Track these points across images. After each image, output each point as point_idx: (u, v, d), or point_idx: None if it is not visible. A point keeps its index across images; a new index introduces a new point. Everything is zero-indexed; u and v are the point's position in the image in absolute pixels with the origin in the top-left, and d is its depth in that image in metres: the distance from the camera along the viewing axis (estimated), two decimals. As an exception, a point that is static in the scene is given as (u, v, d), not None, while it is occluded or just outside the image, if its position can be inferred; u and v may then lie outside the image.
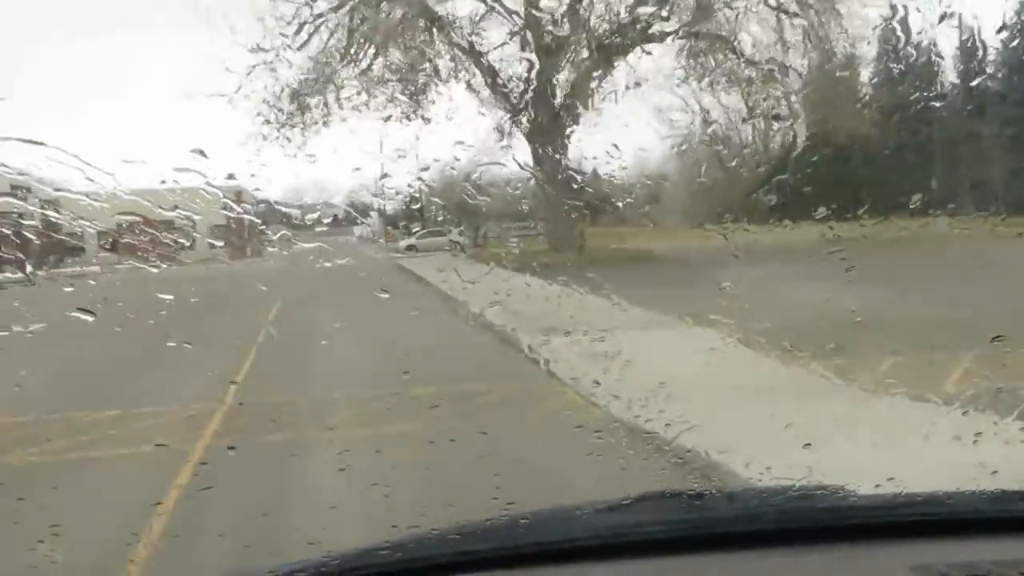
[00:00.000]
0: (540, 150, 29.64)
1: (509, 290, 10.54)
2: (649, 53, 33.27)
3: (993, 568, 1.67)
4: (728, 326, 9.00)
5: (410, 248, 38.57)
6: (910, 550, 1.84)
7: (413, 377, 8.98)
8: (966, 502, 2.01)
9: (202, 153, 4.65)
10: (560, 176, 24.25)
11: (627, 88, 33.20)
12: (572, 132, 31.64)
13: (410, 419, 7.80)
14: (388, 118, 34.97)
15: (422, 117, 36.43)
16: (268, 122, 35.04)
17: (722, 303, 8.51)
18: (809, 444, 4.64)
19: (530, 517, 1.99)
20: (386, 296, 13.04)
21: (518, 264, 13.30)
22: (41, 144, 3.70)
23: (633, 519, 1.93)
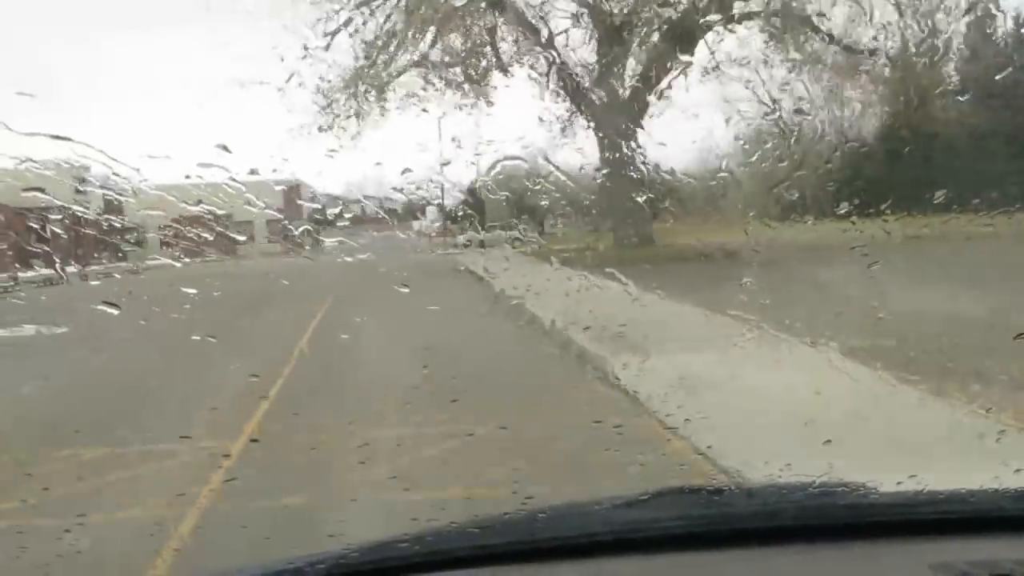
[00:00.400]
0: (607, 140, 27.39)
1: (579, 293, 9.19)
2: (732, 31, 30.76)
3: (1015, 567, 1.66)
4: (856, 348, 7.74)
5: (468, 244, 36.74)
6: (931, 548, 1.83)
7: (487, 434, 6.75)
8: (988, 500, 1.99)
9: (225, 148, 4.67)
10: (628, 168, 21.76)
11: (707, 71, 31.69)
12: (642, 121, 29.50)
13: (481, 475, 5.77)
14: (442, 115, 33.02)
15: (485, 101, 34.55)
16: (322, 110, 32.79)
17: (835, 312, 7.66)
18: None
19: (548, 511, 1.99)
20: (446, 302, 12.60)
21: (585, 262, 12.69)
22: (68, 139, 3.74)
23: (651, 514, 1.93)
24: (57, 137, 3.72)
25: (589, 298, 9.32)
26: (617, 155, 23.77)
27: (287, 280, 21.66)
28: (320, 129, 32.40)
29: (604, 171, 22.86)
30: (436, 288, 18.49)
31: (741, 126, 37.87)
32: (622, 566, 1.83)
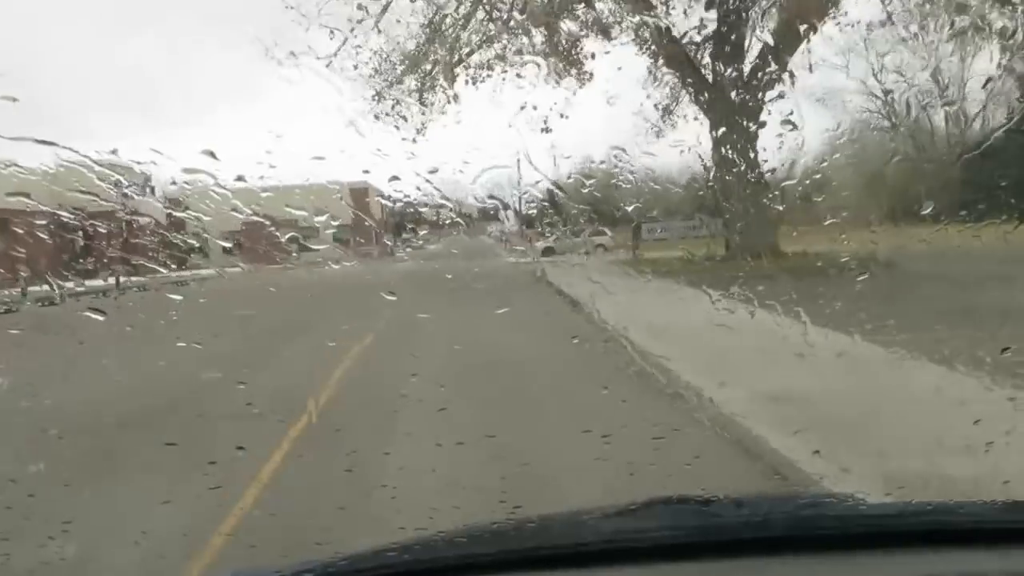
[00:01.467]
0: (719, 131, 22.78)
1: (696, 318, 7.67)
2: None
3: None
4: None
5: (547, 251, 33.69)
6: (920, 559, 1.83)
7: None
8: (977, 512, 2.00)
9: (212, 155, 4.64)
10: (746, 164, 18.33)
11: (868, 37, 26.94)
12: (764, 108, 24.29)
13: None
14: (523, 107, 26.88)
15: (577, 75, 28.24)
16: (379, 96, 27.57)
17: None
18: None
19: (537, 521, 1.99)
20: (531, 328, 11.13)
21: (692, 275, 11.09)
22: (52, 144, 3.72)
23: (640, 524, 1.93)
24: (42, 142, 3.70)
25: (762, 348, 7.12)
26: (737, 148, 20.35)
27: (336, 297, 18.58)
28: (376, 117, 27.58)
29: (716, 167, 19.51)
30: (521, 321, 13.24)
31: (844, 119, 35.69)
32: None
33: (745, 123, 21.87)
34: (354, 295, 16.99)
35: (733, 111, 24.01)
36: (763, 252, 20.08)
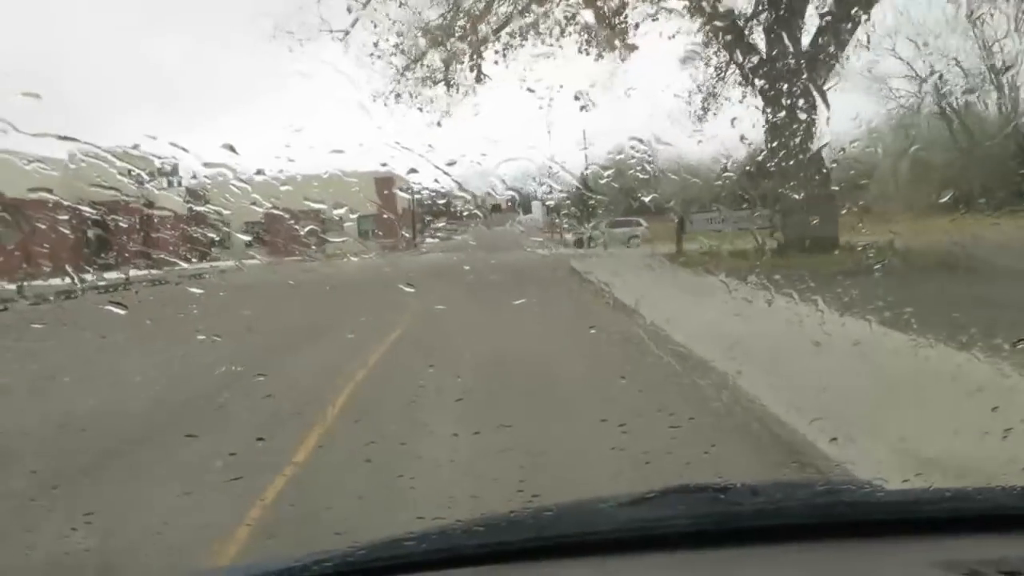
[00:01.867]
0: (775, 113, 20.62)
1: (791, 331, 6.33)
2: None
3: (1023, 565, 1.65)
4: None
5: (578, 243, 31.54)
6: (938, 546, 1.83)
7: None
8: (995, 498, 1.99)
9: (232, 149, 4.65)
10: (805, 151, 16.74)
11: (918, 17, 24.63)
12: (823, 89, 22.02)
13: None
14: (560, 88, 25.80)
15: (622, 47, 25.43)
16: (401, 75, 25.24)
17: None
18: None
19: (554, 510, 2.00)
20: (578, 338, 9.65)
21: (746, 271, 10.21)
22: (74, 139, 3.76)
23: (657, 512, 1.93)
24: (64, 138, 3.74)
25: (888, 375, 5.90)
26: (795, 130, 18.17)
27: (353, 292, 17.51)
28: (398, 97, 25.26)
29: (773, 151, 17.58)
30: (558, 330, 12.05)
31: (891, 105, 33.01)
32: (628, 564, 1.83)
33: (803, 104, 19.70)
34: (370, 292, 16.04)
35: (791, 91, 21.66)
36: (823, 245, 17.74)
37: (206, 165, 5.07)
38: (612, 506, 1.99)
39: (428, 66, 25.70)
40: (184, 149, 4.88)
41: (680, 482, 2.07)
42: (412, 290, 9.59)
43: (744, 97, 26.50)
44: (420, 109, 25.91)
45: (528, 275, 19.14)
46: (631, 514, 1.95)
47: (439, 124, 25.69)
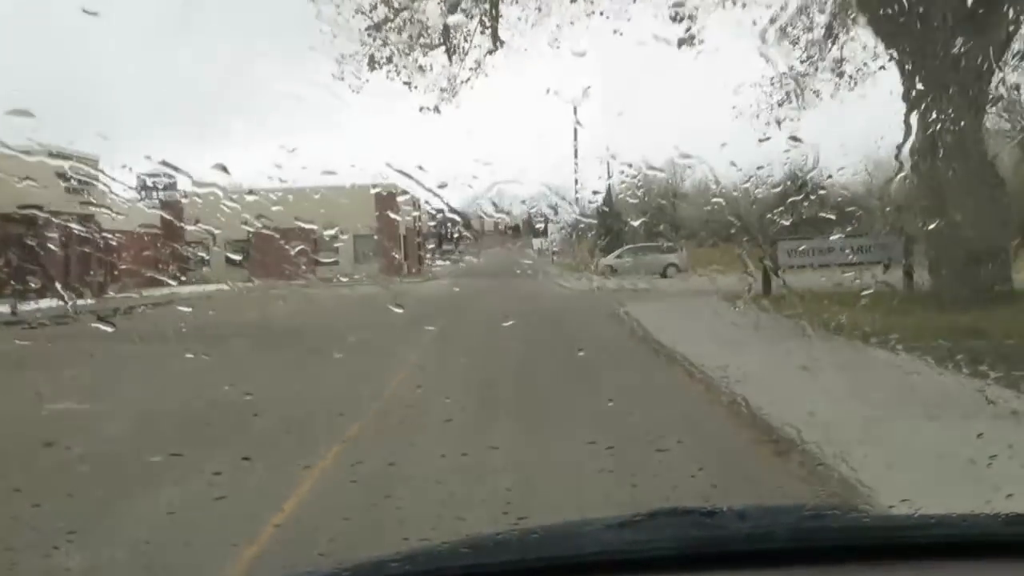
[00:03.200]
0: (935, 95, 13.64)
1: None
2: None
3: None
4: None
5: (608, 271, 27.39)
6: (923, 572, 1.83)
7: None
8: (980, 524, 1.99)
9: (224, 169, 4.65)
10: (970, 152, 12.15)
11: None
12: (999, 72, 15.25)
13: None
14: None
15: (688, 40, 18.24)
16: (378, 32, 17.15)
17: None
18: None
19: (540, 532, 1.99)
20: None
21: (908, 335, 8.03)
22: (68, 158, 3.74)
23: (644, 535, 1.93)
24: (57, 155, 3.72)
25: None
26: (960, 127, 12.83)
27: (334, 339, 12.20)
28: (373, 63, 17.10)
29: (919, 156, 12.68)
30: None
31: None
32: None
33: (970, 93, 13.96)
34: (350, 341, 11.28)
35: (955, 75, 14.19)
36: (995, 294, 12.42)
37: (196, 184, 5.07)
38: (598, 528, 1.98)
39: (421, 21, 17.88)
40: (175, 167, 4.87)
41: (667, 505, 2.06)
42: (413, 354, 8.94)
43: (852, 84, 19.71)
44: (408, 84, 17.74)
45: (569, 330, 15.02)
46: (617, 537, 1.94)
47: (436, 109, 17.99)
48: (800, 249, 19.47)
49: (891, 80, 16.83)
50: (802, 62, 19.90)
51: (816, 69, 20.03)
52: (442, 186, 5.93)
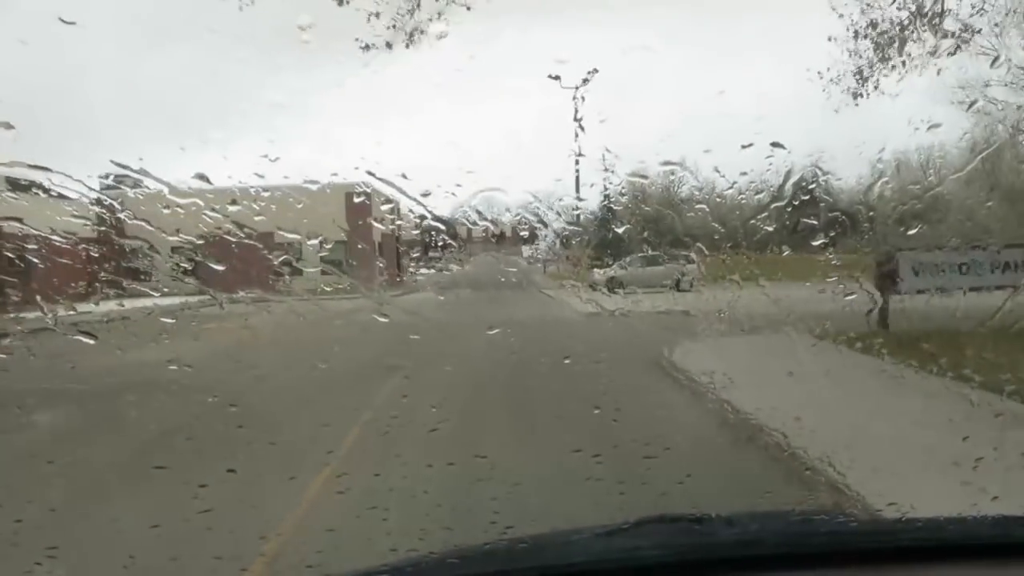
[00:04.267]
0: None
1: None
2: None
3: None
4: None
5: (612, 283, 23.64)
6: (910, 575, 1.84)
7: None
8: (966, 527, 2.01)
9: (205, 179, 4.60)
10: None
11: None
12: None
13: None
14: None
15: None
16: None
17: None
18: None
19: (529, 541, 1.99)
20: None
21: None
22: (46, 169, 3.72)
23: (632, 543, 1.93)
24: (36, 167, 3.70)
25: None
26: None
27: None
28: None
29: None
30: None
31: None
32: None
33: None
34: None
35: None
36: None
37: (175, 194, 4.99)
38: (587, 537, 1.98)
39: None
40: (146, 173, 4.73)
41: (655, 512, 2.06)
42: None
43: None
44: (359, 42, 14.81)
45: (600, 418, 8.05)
46: (606, 545, 1.94)
47: (388, 45, 14.74)
48: (933, 263, 14.06)
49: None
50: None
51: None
52: (425, 194, 5.84)
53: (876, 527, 2.10)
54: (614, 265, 25.60)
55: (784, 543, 1.94)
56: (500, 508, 4.99)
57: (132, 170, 4.59)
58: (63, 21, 4.89)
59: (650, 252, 25.35)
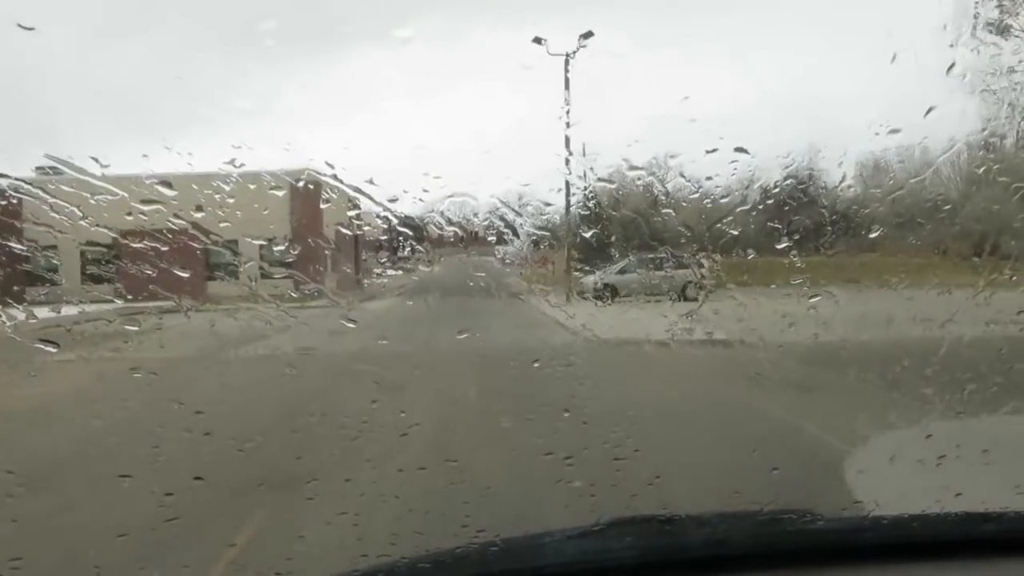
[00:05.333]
0: None
1: None
2: None
3: None
4: None
5: (606, 290, 20.58)
6: (877, 573, 1.86)
7: None
8: (931, 525, 2.04)
9: (169, 185, 4.51)
10: None
11: None
12: None
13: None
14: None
15: None
16: None
17: None
18: None
19: (501, 544, 1.99)
20: None
21: None
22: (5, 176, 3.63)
23: (603, 544, 1.94)
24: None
25: None
26: None
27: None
28: None
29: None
30: None
31: None
32: None
33: None
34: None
35: None
36: None
37: (143, 202, 4.84)
38: (558, 539, 1.98)
39: None
40: (71, 164, 4.45)
41: (626, 514, 2.07)
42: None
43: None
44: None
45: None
46: (578, 547, 1.95)
47: None
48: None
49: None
50: None
51: None
52: (393, 200, 5.77)
53: (843, 525, 2.13)
54: (607, 268, 21.85)
55: (753, 542, 1.96)
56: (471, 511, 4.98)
57: (61, 161, 4.28)
58: (22, 27, 4.79)
59: (648, 254, 20.89)
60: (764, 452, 6.47)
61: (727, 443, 7.46)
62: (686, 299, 16.28)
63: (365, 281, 26.15)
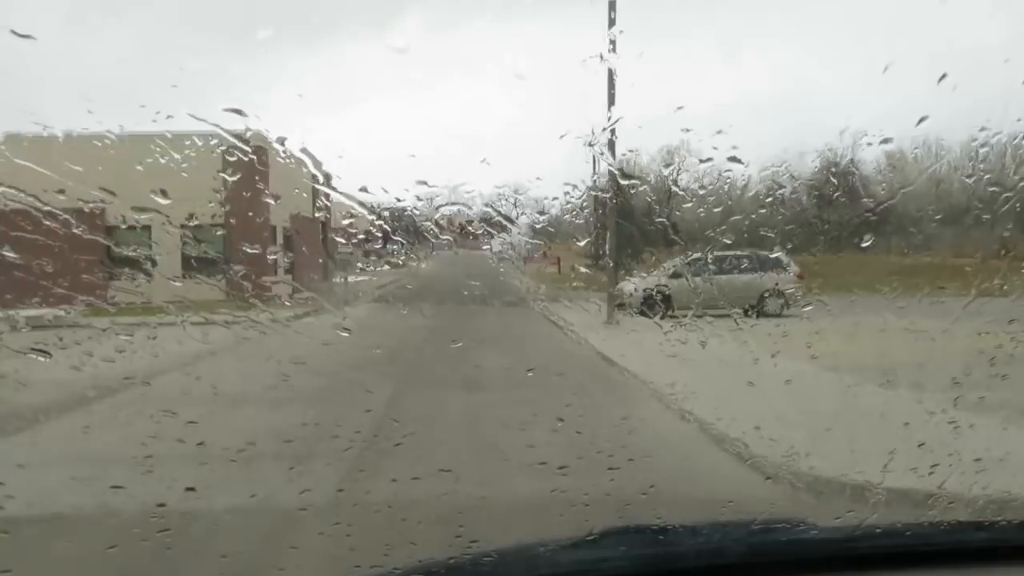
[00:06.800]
0: None
1: None
2: None
3: None
4: None
5: (659, 298, 15.47)
6: None
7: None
8: (924, 534, 2.04)
9: (164, 193, 4.41)
10: None
11: None
12: None
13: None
14: None
15: None
16: None
17: None
18: None
19: (494, 555, 1.98)
20: None
21: None
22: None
23: (597, 554, 1.93)
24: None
25: None
26: None
27: None
28: None
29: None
30: None
31: None
32: None
33: None
34: None
35: None
36: None
37: (135, 209, 4.79)
38: (552, 549, 1.98)
39: None
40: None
41: (620, 524, 2.07)
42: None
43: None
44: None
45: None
46: (571, 557, 1.94)
47: None
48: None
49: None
50: None
51: None
52: (385, 209, 5.70)
53: (836, 534, 2.14)
54: (660, 272, 15.69)
55: (746, 552, 1.96)
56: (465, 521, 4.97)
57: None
58: (16, 34, 4.78)
59: (720, 251, 12.18)
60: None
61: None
62: (766, 314, 13.19)
63: (330, 281, 21.53)
